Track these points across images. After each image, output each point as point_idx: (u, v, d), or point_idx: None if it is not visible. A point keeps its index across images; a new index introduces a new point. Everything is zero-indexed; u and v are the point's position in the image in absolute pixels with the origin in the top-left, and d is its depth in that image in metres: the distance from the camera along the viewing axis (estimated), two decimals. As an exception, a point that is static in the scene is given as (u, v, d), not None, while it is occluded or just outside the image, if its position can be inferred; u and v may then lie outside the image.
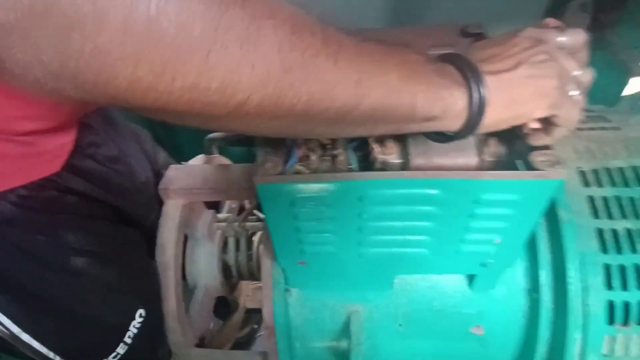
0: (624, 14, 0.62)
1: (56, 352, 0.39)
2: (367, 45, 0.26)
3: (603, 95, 0.60)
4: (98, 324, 0.43)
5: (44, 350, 0.38)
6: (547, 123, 0.35)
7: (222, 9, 0.19)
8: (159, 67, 0.19)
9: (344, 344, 0.52)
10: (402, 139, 0.41)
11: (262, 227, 0.68)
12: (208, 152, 0.75)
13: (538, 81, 0.32)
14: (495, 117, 0.31)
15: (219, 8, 0.19)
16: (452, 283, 0.50)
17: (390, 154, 0.41)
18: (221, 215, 0.74)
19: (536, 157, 0.34)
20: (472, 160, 0.40)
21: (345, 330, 0.51)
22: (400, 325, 0.52)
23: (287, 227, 0.40)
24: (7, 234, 0.35)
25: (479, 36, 0.50)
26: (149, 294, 0.52)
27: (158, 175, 0.61)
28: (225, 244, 0.70)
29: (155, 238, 0.57)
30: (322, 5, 0.38)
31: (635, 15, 0.61)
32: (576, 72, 0.34)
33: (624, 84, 0.66)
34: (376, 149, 0.42)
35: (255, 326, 1.15)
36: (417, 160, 0.40)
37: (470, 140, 0.40)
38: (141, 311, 0.48)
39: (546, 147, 0.35)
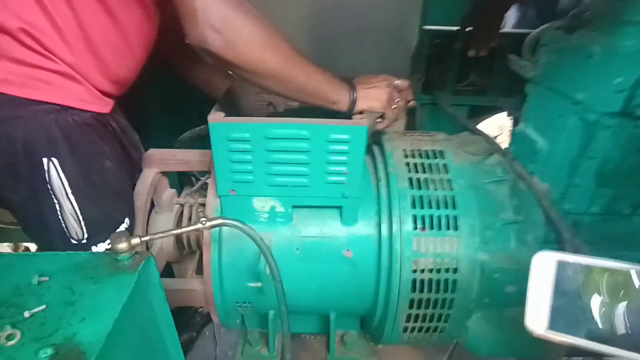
0: (446, 83, 1.04)
1: (80, 212, 0.62)
2: (313, 64, 0.65)
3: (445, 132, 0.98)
4: (106, 208, 0.66)
5: (77, 208, 0.61)
6: (382, 117, 0.73)
7: (275, 52, 0.61)
8: (263, 63, 0.60)
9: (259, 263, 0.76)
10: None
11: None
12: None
13: (379, 94, 0.72)
14: (360, 105, 0.70)
15: (276, 54, 0.61)
16: (330, 218, 0.77)
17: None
18: (180, 198, 0.98)
19: (356, 117, 0.67)
20: (330, 120, 0.72)
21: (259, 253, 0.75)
22: (297, 249, 0.77)
23: (225, 159, 0.69)
24: (79, 133, 0.63)
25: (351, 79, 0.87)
26: (133, 216, 0.75)
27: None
28: (180, 218, 0.93)
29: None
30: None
31: (450, 84, 1.03)
32: (397, 99, 0.75)
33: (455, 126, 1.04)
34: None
35: (194, 334, 1.28)
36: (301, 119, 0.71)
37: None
38: (128, 220, 0.71)
39: (361, 113, 0.68)
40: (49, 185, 0.61)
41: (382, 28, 1.05)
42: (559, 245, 0.78)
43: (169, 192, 0.92)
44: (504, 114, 1.23)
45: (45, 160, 0.60)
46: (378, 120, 0.75)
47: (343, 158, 0.69)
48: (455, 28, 1.00)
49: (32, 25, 0.56)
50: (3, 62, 0.56)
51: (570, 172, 0.75)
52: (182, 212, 0.94)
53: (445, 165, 0.77)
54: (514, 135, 0.89)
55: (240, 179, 0.71)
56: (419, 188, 0.74)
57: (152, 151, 0.87)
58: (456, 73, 1.03)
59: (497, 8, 0.87)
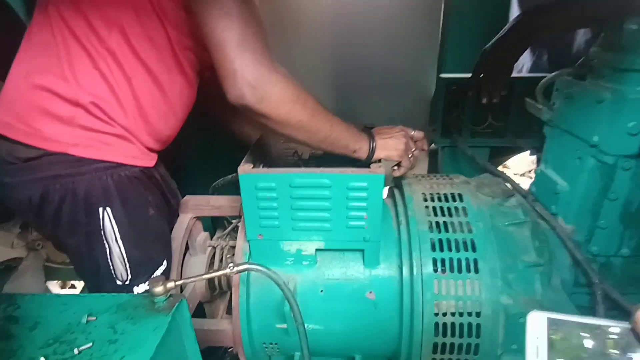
0: (463, 126, 1.07)
1: (127, 255, 0.69)
2: (336, 117, 0.71)
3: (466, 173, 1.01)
4: (148, 252, 0.73)
5: (124, 252, 0.68)
6: (399, 165, 0.76)
7: (303, 106, 0.68)
8: (292, 116, 0.67)
9: (285, 305, 0.79)
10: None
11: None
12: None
13: (396, 144, 0.77)
14: (378, 154, 0.76)
15: (303, 108, 0.68)
16: (352, 261, 0.80)
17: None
18: (212, 240, 1.04)
19: (373, 166, 0.71)
20: (348, 169, 0.77)
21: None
22: (321, 291, 0.80)
23: (253, 206, 0.74)
24: (129, 185, 0.72)
25: (371, 127, 0.93)
26: (170, 258, 0.82)
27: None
28: (212, 260, 0.99)
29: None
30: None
31: (469, 127, 1.06)
32: (412, 148, 0.78)
33: (475, 167, 1.06)
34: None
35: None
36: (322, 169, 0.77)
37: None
38: (166, 262, 0.77)
39: (379, 161, 0.73)
40: (102, 232, 0.69)
41: (401, 78, 1.12)
42: (588, 288, 0.76)
43: (202, 235, 0.98)
44: (527, 153, 1.24)
45: (100, 209, 0.68)
46: (394, 168, 0.79)
47: (362, 204, 0.73)
48: (469, 75, 1.05)
49: (100, 98, 0.67)
50: (75, 129, 0.67)
51: (594, 214, 0.75)
52: (214, 254, 1.00)
53: (464, 208, 0.79)
54: (535, 175, 0.90)
55: (268, 224, 0.76)
56: (439, 231, 0.76)
57: (188, 198, 0.95)
58: (473, 117, 1.07)
59: (504, 59, 0.92)
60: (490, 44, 0.93)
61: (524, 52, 0.92)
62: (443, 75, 1.04)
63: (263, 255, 0.81)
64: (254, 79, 0.61)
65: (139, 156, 0.73)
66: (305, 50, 1.13)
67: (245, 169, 0.72)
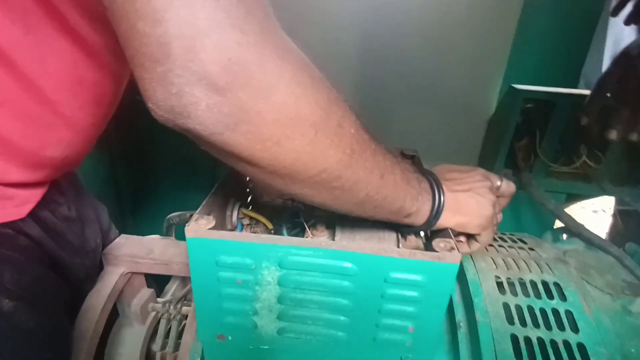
0: (536, 163, 0.75)
1: None
2: (387, 152, 0.37)
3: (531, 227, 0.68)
4: None
5: None
6: (471, 238, 0.46)
7: (334, 137, 0.30)
8: (311, 159, 0.30)
9: None
10: (331, 225, 0.46)
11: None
12: (166, 233, 0.77)
13: (480, 206, 0.43)
14: (445, 221, 0.41)
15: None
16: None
17: (321, 236, 0.46)
18: (161, 299, 0.71)
19: (437, 243, 0.38)
20: (391, 249, 0.44)
21: None
22: None
23: (210, 290, 0.41)
24: None
25: (412, 158, 0.61)
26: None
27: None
28: (156, 329, 0.66)
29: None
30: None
31: (544, 164, 0.73)
32: (498, 211, 0.47)
33: (549, 219, 0.74)
34: (309, 231, 0.46)
35: None
36: (342, 243, 0.44)
37: (392, 233, 0.45)
38: None
39: (447, 235, 0.40)
40: None
41: (449, 86, 0.79)
42: None
43: (142, 296, 0.65)
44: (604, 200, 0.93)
45: None
46: (460, 240, 0.46)
47: (409, 309, 0.40)
48: (553, 90, 0.72)
49: None
50: None
51: None
52: (159, 322, 0.67)
53: (570, 316, 0.47)
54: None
55: (235, 323, 0.43)
56: (532, 357, 0.44)
57: (122, 241, 0.61)
58: (554, 150, 0.74)
59: None
60: None
61: None
62: (518, 86, 0.72)
63: (225, 361, 0.48)
64: (223, 62, 0.24)
65: None
66: (314, 42, 0.79)
67: (197, 228, 0.38)
